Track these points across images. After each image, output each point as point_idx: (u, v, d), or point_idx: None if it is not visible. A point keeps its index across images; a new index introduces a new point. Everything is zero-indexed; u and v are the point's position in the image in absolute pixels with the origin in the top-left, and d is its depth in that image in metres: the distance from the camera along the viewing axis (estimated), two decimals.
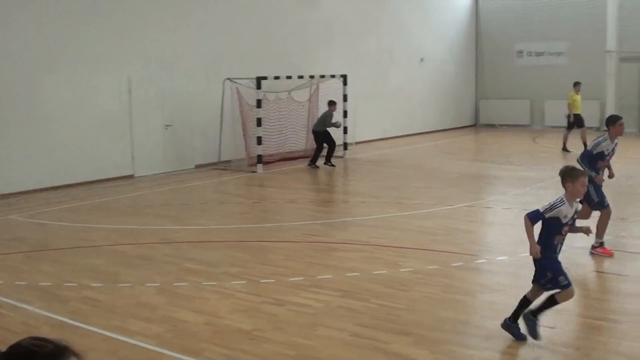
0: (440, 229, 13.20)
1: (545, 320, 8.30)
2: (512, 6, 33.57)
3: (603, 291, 9.92)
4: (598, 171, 11.17)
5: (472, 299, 9.38)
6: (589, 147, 11.33)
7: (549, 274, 7.48)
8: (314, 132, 21.81)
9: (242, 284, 9.83)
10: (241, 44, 22.36)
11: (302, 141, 23.71)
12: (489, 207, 15.46)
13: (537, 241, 7.55)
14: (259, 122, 20.65)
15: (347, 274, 10.13)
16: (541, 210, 7.41)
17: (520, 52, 33.68)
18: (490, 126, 33.88)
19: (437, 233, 12.86)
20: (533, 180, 18.32)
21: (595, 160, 11.11)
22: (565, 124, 24.98)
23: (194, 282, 9.95)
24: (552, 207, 7.39)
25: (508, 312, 8.60)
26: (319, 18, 25.53)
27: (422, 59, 30.92)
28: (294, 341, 7.71)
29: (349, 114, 23.61)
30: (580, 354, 7.40)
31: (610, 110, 31.13)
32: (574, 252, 11.41)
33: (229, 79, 21.21)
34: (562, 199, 7.43)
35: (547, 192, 16.82)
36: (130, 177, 19.63)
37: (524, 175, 19.38)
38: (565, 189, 7.47)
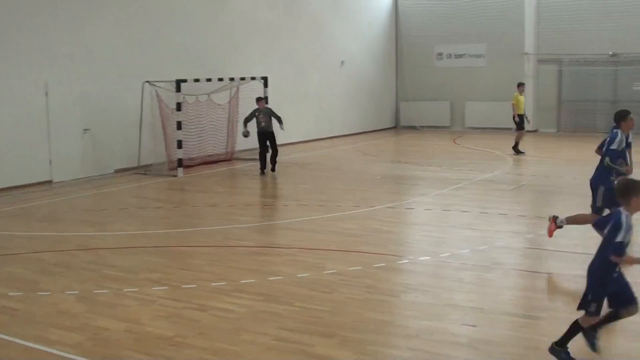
0: (362, 230, 13.26)
1: (468, 318, 8.43)
2: (432, 9, 33.91)
3: (523, 289, 10.09)
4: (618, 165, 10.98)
5: (395, 299, 9.44)
6: (613, 147, 10.92)
7: (589, 296, 6.99)
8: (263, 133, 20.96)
9: (164, 289, 9.71)
10: (160, 46, 22.10)
11: (223, 144, 23.56)
12: (410, 208, 15.59)
13: (595, 261, 7.02)
14: (179, 125, 20.45)
15: (270, 278, 10.10)
16: (620, 239, 6.74)
17: (440, 54, 34.06)
18: (411, 128, 34.20)
19: (360, 235, 12.92)
20: (453, 181, 18.54)
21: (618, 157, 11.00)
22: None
23: (114, 289, 9.79)
24: (628, 229, 6.77)
25: (430, 311, 8.71)
26: (239, 20, 25.40)
27: (342, 62, 31.03)
28: (217, 347, 7.65)
29: None
30: (502, 351, 7.51)
31: (529, 111, 31.75)
32: (494, 250, 11.60)
33: (148, 81, 20.96)
34: (627, 215, 6.84)
35: (467, 192, 17.10)
36: (49, 182, 19.21)
37: (444, 176, 19.61)
38: (629, 204, 6.86)
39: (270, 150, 20.76)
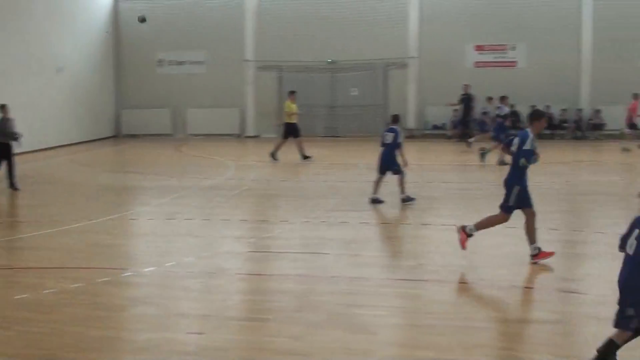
0: (83, 245, 12.82)
1: (195, 326, 8.41)
2: (152, 14, 33.35)
3: (248, 292, 10.23)
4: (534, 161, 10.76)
5: (121, 313, 9.20)
6: (526, 147, 10.65)
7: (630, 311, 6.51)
8: None
9: None
10: None
11: None
12: (133, 219, 15.32)
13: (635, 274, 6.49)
14: None
15: None
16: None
17: (161, 61, 33.92)
18: (133, 136, 33.71)
19: (81, 249, 12.48)
20: (177, 189, 18.46)
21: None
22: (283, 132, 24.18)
23: None
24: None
25: (157, 323, 8.58)
26: None
27: (59, 68, 29.82)
28: None
29: None
30: (229, 356, 7.55)
31: (250, 117, 32.57)
32: (218, 256, 11.67)
33: None
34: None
35: (190, 200, 17.12)
36: None
37: (168, 184, 19.48)
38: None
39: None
